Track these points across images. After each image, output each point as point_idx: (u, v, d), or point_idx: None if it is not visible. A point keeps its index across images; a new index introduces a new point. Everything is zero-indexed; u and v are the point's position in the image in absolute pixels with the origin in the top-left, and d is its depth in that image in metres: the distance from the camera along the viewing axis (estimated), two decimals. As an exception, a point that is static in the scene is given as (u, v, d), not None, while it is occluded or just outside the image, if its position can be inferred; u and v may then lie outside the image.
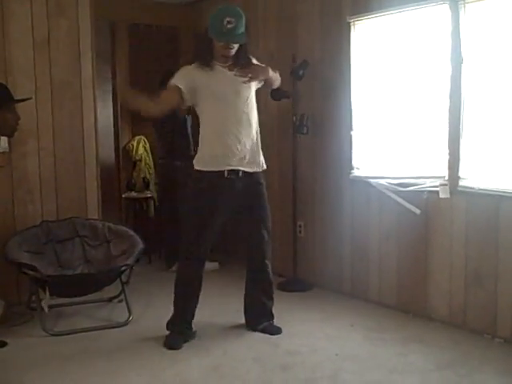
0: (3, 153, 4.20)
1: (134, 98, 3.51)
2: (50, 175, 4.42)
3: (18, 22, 4.22)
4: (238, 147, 3.47)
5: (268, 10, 5.04)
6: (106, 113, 5.60)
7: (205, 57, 3.49)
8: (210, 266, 5.05)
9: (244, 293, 3.83)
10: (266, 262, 3.72)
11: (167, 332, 3.63)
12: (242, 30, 3.36)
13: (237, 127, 3.47)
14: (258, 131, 3.61)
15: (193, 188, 3.60)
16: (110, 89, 5.78)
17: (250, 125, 3.52)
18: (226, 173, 3.46)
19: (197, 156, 3.59)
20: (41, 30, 4.33)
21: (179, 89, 3.44)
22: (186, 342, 3.57)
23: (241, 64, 3.49)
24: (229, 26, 3.29)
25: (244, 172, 3.51)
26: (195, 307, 3.66)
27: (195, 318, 3.70)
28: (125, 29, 5.82)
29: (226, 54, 3.44)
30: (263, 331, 3.74)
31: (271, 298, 3.81)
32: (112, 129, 5.83)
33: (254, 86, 3.59)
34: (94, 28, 4.62)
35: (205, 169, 3.50)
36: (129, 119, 5.95)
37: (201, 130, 3.59)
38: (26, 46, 4.26)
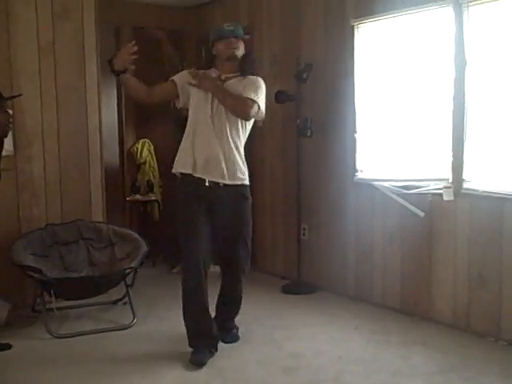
0: (8, 156, 4.19)
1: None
2: (54, 178, 4.44)
3: (24, 25, 4.24)
4: (207, 157, 3.37)
5: (272, 13, 5.05)
6: (110, 116, 5.62)
7: (205, 64, 3.57)
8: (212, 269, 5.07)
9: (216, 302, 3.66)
10: (241, 278, 3.59)
11: (191, 349, 3.42)
12: (240, 31, 3.49)
13: (210, 138, 3.37)
14: (240, 146, 3.47)
15: (178, 195, 3.52)
16: (115, 92, 5.80)
17: (226, 139, 3.38)
18: (206, 181, 3.38)
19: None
20: (46, 34, 4.35)
21: (174, 84, 3.51)
22: (211, 354, 3.41)
23: (244, 74, 3.48)
24: (228, 28, 3.47)
25: (224, 183, 3.41)
26: (208, 318, 3.47)
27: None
28: (129, 32, 5.83)
29: (230, 54, 3.43)
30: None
31: (234, 316, 3.70)
32: (116, 132, 5.85)
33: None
34: (99, 31, 4.65)
35: (178, 170, 3.47)
36: (133, 122, 5.97)
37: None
38: (31, 49, 4.29)
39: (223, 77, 3.48)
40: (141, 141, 5.97)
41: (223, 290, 3.66)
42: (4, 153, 4.13)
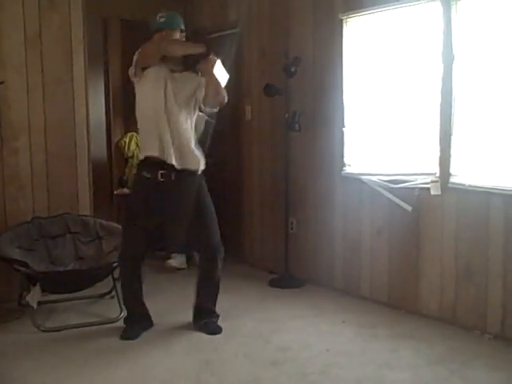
0: (-6, 148, 4.18)
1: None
2: (41, 171, 4.41)
3: (10, 16, 4.20)
4: (162, 143, 3.49)
5: (261, 6, 5.04)
6: (98, 109, 5.58)
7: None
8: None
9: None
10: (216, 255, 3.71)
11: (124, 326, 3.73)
12: (173, 23, 3.65)
13: (163, 122, 3.48)
14: (188, 132, 3.58)
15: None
16: (102, 85, 5.77)
17: (177, 123, 3.51)
18: (159, 175, 3.50)
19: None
20: (32, 25, 4.30)
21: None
22: (144, 330, 3.68)
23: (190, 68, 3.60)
24: (161, 19, 3.63)
25: (176, 172, 3.51)
26: (140, 299, 3.74)
27: (184, 316, 3.74)
28: (117, 25, 5.80)
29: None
30: (201, 329, 3.72)
31: (214, 299, 3.80)
32: (104, 125, 5.82)
33: (195, 91, 3.59)
34: (87, 24, 4.61)
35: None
36: (121, 115, 5.94)
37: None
38: (17, 41, 4.24)
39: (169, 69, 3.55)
40: (129, 134, 5.94)
41: (201, 271, 3.76)
42: (-10, 145, 4.14)
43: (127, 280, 3.70)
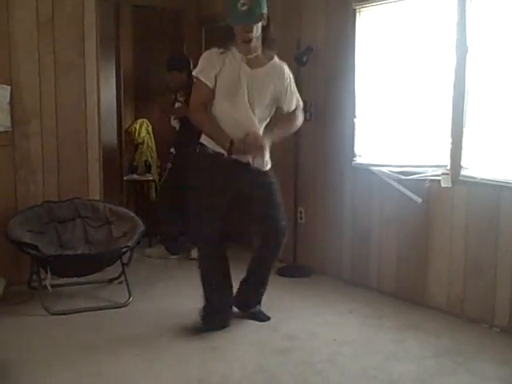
0: (6, 132, 4.19)
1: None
2: (52, 155, 4.42)
3: (23, 0, 4.20)
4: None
5: (273, -6, 5.01)
6: (109, 94, 5.58)
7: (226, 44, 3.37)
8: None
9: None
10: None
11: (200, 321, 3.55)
12: (257, 10, 3.20)
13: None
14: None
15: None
16: (114, 71, 5.76)
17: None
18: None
19: None
20: (45, 10, 4.30)
21: (209, 88, 3.33)
22: (223, 323, 3.55)
23: (264, 58, 3.45)
24: (243, 8, 3.14)
25: None
26: (229, 292, 3.63)
27: (192, 302, 3.73)
28: (129, 11, 5.78)
29: (245, 38, 3.26)
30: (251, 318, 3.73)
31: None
32: (115, 111, 5.82)
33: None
34: (99, 9, 4.60)
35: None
36: (132, 102, 5.94)
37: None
38: (30, 25, 4.24)
39: (245, 59, 3.37)
40: (139, 120, 5.95)
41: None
42: (2, 128, 4.15)
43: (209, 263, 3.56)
